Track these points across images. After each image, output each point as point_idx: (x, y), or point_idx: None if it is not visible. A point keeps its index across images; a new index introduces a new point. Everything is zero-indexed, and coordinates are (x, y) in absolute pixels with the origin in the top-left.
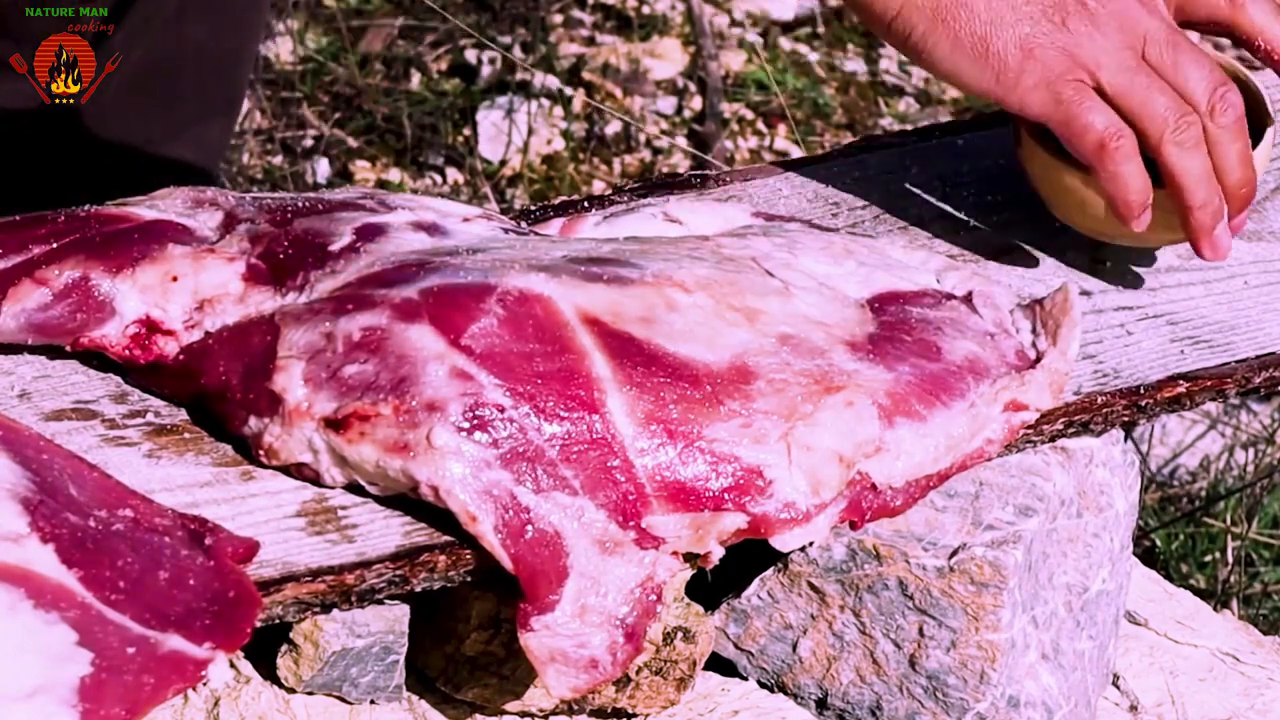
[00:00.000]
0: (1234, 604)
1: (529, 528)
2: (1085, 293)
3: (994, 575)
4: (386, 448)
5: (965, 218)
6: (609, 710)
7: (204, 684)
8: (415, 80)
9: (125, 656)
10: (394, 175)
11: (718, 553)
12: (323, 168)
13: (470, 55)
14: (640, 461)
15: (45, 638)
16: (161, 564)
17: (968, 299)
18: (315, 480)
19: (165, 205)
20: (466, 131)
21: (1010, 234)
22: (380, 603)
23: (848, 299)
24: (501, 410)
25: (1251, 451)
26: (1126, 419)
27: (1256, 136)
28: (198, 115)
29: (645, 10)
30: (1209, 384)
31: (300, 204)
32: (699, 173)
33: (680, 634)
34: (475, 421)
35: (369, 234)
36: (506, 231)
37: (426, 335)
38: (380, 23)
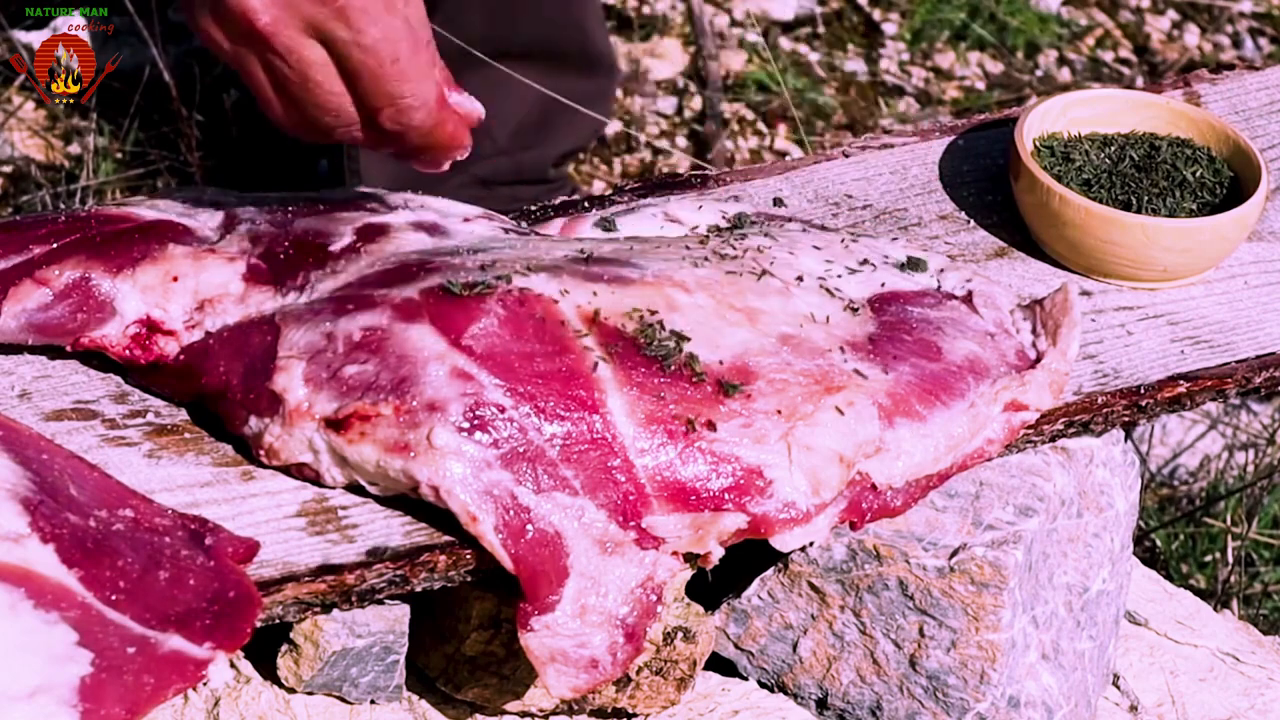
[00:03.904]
0: (1234, 604)
1: (529, 528)
2: (1085, 293)
3: (994, 575)
4: (387, 448)
5: (965, 218)
6: (609, 710)
7: (204, 684)
8: None
9: (125, 656)
10: None
11: (718, 553)
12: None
13: None
14: (640, 462)
15: (45, 638)
16: (161, 564)
17: (968, 299)
18: (315, 480)
19: (166, 205)
20: None
21: (1010, 234)
22: (380, 603)
23: (848, 299)
24: (502, 410)
25: (1251, 451)
26: (1127, 419)
27: (1247, 193)
28: None
29: (645, 10)
30: (1209, 384)
31: (300, 204)
32: (699, 173)
33: (680, 634)
34: (476, 422)
35: (369, 234)
36: (507, 231)
37: (427, 335)
38: None
